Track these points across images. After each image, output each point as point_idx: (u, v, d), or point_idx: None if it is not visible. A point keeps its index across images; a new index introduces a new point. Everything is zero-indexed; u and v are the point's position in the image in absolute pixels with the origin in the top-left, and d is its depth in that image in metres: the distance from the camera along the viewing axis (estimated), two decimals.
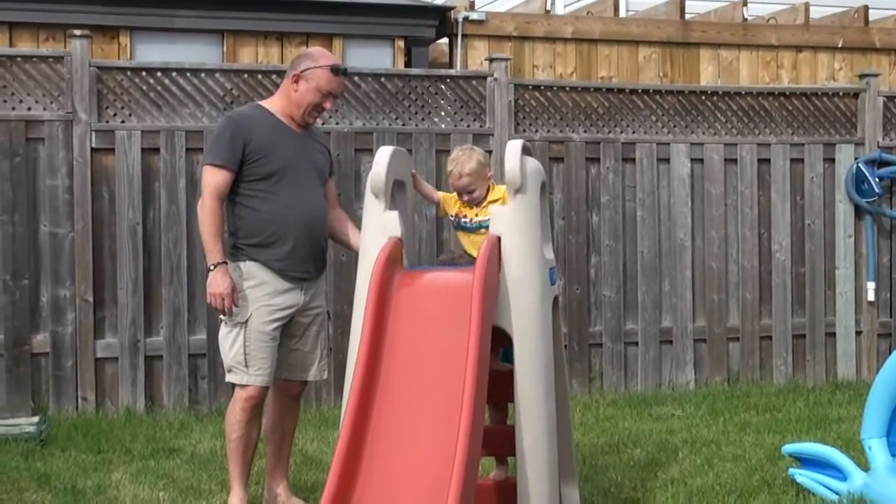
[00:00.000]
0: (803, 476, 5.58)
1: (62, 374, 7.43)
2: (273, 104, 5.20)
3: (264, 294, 5.03)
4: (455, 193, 4.95)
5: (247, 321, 5.01)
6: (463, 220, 4.92)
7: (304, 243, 5.08)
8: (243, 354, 5.00)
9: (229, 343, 5.04)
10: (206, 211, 4.99)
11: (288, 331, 5.14)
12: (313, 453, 6.44)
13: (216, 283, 4.95)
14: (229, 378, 5.10)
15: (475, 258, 4.77)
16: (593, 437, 6.87)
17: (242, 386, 5.04)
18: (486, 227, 4.78)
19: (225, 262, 4.98)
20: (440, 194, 5.06)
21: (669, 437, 6.89)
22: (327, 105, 5.15)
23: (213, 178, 5.00)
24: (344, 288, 7.64)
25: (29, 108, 7.45)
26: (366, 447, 3.98)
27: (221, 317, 5.08)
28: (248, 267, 5.05)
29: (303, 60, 5.15)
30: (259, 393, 5.05)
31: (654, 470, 6.05)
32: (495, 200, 4.84)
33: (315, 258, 5.17)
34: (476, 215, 4.89)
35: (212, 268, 4.97)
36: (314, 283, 5.21)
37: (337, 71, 5.13)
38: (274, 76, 7.85)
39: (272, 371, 5.07)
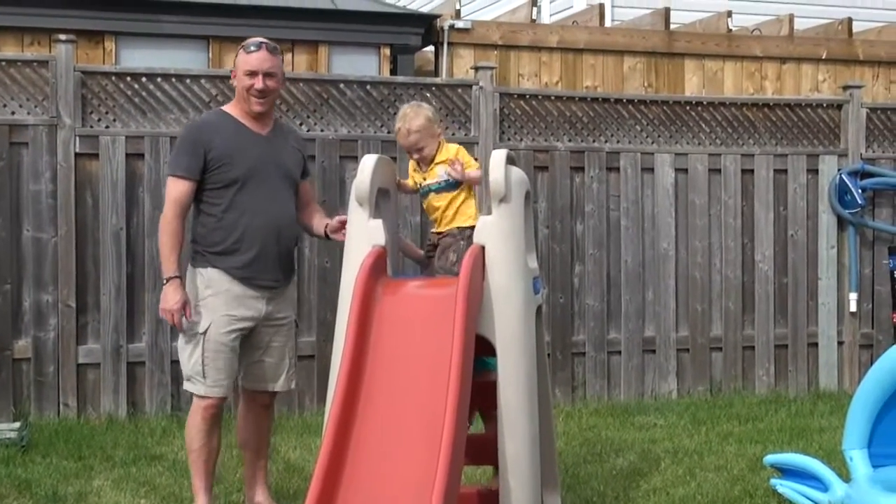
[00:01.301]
0: (785, 486, 5.59)
1: (44, 379, 7.40)
2: (234, 108, 5.08)
3: (224, 303, 4.92)
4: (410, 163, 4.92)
5: (206, 332, 4.91)
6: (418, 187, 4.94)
7: (268, 251, 4.97)
8: (201, 365, 4.91)
9: (188, 353, 4.96)
10: (165, 222, 4.91)
11: (251, 341, 5.04)
12: (296, 461, 6.42)
13: (167, 298, 4.87)
14: (187, 387, 5.04)
15: (434, 224, 4.90)
16: (576, 447, 6.87)
17: (201, 396, 4.97)
18: (434, 191, 4.85)
19: (178, 277, 4.88)
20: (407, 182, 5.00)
21: (652, 446, 6.90)
22: (257, 84, 4.91)
23: (174, 189, 4.92)
24: (328, 295, 7.64)
25: (13, 113, 7.42)
26: (348, 455, 3.98)
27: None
28: (210, 274, 4.95)
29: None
30: (218, 403, 4.98)
31: (637, 479, 6.06)
32: (443, 161, 4.82)
33: (281, 266, 5.06)
34: (424, 179, 4.88)
35: (165, 281, 4.89)
36: (279, 293, 5.09)
37: (247, 47, 4.95)
38: None
39: (231, 382, 5.00)
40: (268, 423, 5.30)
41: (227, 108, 5.13)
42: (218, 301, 4.92)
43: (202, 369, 4.90)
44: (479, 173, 4.87)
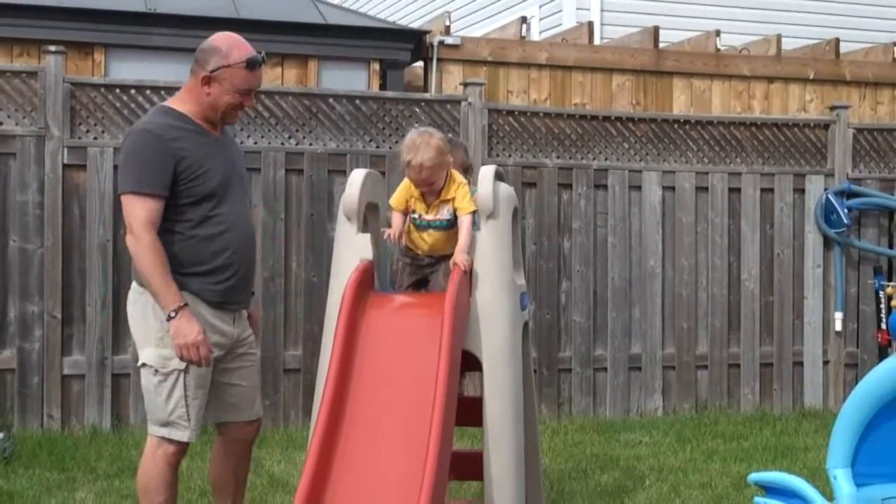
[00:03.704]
0: None
1: (28, 390, 7.37)
2: (186, 108, 4.33)
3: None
4: (407, 184, 4.55)
5: (186, 367, 4.21)
6: (413, 214, 4.61)
7: (243, 270, 4.39)
8: (185, 407, 4.22)
9: (165, 395, 4.22)
10: (145, 247, 4.12)
11: (222, 366, 4.41)
12: (280, 475, 6.41)
13: (185, 332, 4.12)
14: (163, 433, 4.26)
15: (421, 253, 4.64)
16: (561, 463, 6.87)
17: (173, 441, 4.27)
18: (436, 227, 4.56)
19: (186, 304, 4.18)
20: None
21: (637, 463, 6.90)
22: (248, 103, 4.37)
23: (142, 209, 4.14)
24: (315, 309, 7.63)
25: (1, 123, 7.41)
26: (333, 469, 3.97)
27: (146, 362, 4.26)
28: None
29: (210, 57, 4.26)
30: (189, 446, 4.37)
31: (621, 497, 6.06)
32: (449, 199, 4.50)
33: (250, 285, 4.54)
34: (425, 212, 4.56)
35: (173, 314, 4.13)
36: (241, 313, 4.49)
37: (254, 65, 4.28)
38: None
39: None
40: (246, 466, 4.67)
41: (175, 106, 4.36)
42: None
43: (186, 412, 4.21)
44: (470, 233, 4.48)
